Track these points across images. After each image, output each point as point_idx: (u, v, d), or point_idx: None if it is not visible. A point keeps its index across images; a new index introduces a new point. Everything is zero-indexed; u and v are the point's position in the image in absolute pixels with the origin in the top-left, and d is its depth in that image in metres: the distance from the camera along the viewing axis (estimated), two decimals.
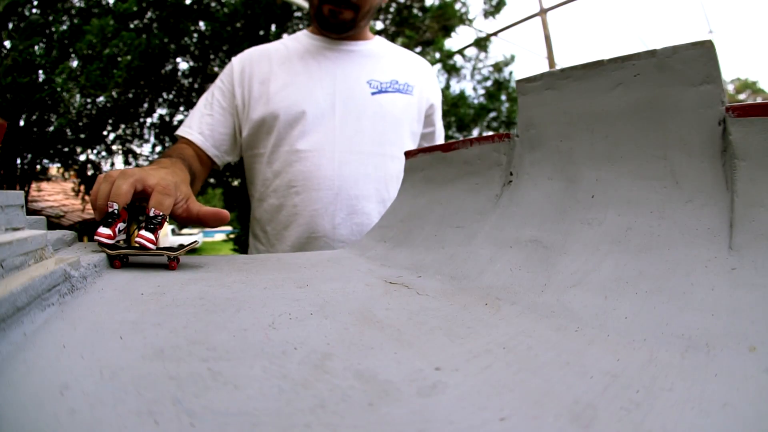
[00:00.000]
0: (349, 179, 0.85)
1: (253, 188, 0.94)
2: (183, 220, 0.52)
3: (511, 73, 4.78)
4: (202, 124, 0.88)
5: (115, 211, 0.43)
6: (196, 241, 0.45)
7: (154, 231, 0.43)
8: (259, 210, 0.91)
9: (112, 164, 4.42)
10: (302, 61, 0.89)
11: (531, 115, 0.42)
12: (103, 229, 0.42)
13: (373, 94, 0.90)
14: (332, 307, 0.30)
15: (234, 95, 0.89)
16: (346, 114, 0.87)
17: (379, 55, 0.95)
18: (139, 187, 0.46)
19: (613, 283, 0.29)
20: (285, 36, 0.99)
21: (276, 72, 0.88)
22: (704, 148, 0.31)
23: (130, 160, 4.36)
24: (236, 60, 0.91)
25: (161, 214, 0.44)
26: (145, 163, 4.49)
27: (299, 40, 0.94)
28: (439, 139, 1.04)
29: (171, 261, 0.43)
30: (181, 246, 0.44)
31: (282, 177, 0.86)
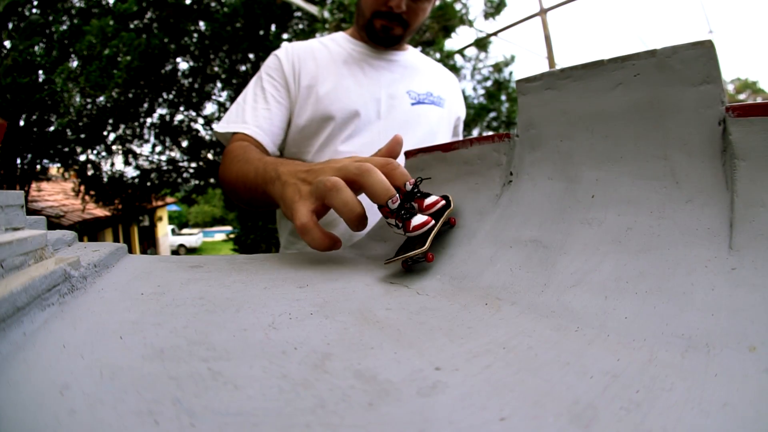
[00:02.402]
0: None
1: None
2: None
3: (511, 73, 4.79)
4: (258, 118, 0.81)
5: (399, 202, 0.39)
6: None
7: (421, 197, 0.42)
8: None
9: (112, 164, 4.43)
10: (347, 66, 0.90)
11: (531, 115, 0.42)
12: (418, 218, 0.38)
13: (413, 104, 0.92)
14: (332, 307, 0.30)
15: (288, 90, 0.86)
16: (390, 121, 0.88)
17: (415, 66, 0.98)
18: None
19: (613, 283, 0.29)
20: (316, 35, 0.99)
21: (323, 73, 0.87)
22: (704, 148, 0.31)
23: (130, 160, 4.36)
24: (282, 55, 0.88)
25: (416, 180, 0.42)
26: (146, 163, 4.50)
27: (340, 43, 0.94)
28: None
29: (451, 218, 0.43)
30: (439, 212, 0.41)
31: None
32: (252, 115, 0.82)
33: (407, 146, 0.89)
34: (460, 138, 1.05)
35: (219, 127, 0.84)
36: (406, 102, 0.91)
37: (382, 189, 0.40)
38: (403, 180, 0.41)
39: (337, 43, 0.94)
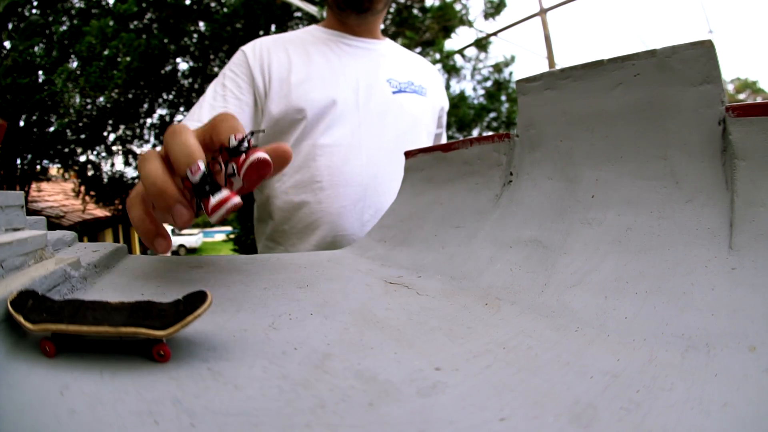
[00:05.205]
0: (377, 176, 0.82)
1: (265, 184, 0.87)
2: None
3: (511, 73, 4.78)
4: (214, 115, 0.79)
5: (204, 171, 0.30)
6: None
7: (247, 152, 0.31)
8: (272, 207, 0.85)
9: (112, 164, 4.43)
10: (321, 54, 0.86)
11: (531, 115, 0.42)
12: (218, 195, 0.29)
13: (394, 93, 0.89)
14: (332, 307, 0.30)
15: (254, 83, 0.82)
16: (370, 111, 0.85)
17: (394, 55, 0.95)
18: (205, 138, 0.34)
19: (613, 283, 0.29)
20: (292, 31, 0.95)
21: (295, 62, 0.83)
22: (704, 148, 0.31)
23: (130, 160, 4.36)
24: (248, 48, 0.85)
25: (245, 135, 0.32)
26: None
27: (312, 33, 0.90)
28: (443, 140, 1.06)
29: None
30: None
31: (304, 172, 0.81)
32: (208, 113, 0.79)
33: (388, 138, 0.87)
34: (444, 129, 1.04)
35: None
36: (386, 90, 0.87)
37: (183, 153, 0.30)
38: (229, 134, 0.32)
39: (311, 34, 0.90)
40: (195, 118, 0.80)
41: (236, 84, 0.82)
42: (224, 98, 0.81)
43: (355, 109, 0.84)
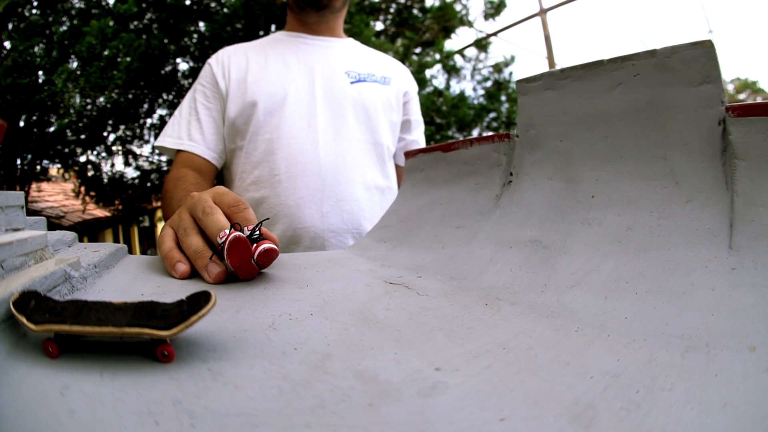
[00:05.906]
0: (336, 166, 0.83)
1: (231, 185, 0.89)
2: None
3: (511, 73, 4.78)
4: (191, 130, 0.85)
5: (227, 233, 0.36)
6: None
7: (259, 240, 0.38)
8: None
9: (112, 165, 4.42)
10: (278, 53, 0.89)
11: (531, 115, 0.42)
12: (265, 244, 0.36)
13: (353, 83, 0.89)
14: (332, 308, 0.30)
15: (218, 89, 0.86)
16: (327, 101, 0.86)
17: (355, 50, 0.96)
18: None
19: (613, 283, 0.29)
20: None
21: (252, 63, 0.87)
22: (704, 148, 0.31)
23: (131, 160, 4.35)
24: (212, 60, 0.90)
25: (257, 224, 0.39)
26: (146, 164, 4.50)
27: (274, 37, 0.94)
28: (417, 130, 1.03)
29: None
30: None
31: (262, 167, 0.82)
32: (186, 129, 0.85)
33: (347, 127, 0.87)
34: (412, 117, 1.00)
35: (158, 141, 0.86)
36: (344, 81, 0.88)
37: (215, 228, 0.38)
38: (245, 224, 0.40)
39: (272, 38, 0.93)
40: (175, 135, 0.85)
41: (204, 95, 0.87)
42: (196, 111, 0.86)
43: (311, 100, 0.85)
